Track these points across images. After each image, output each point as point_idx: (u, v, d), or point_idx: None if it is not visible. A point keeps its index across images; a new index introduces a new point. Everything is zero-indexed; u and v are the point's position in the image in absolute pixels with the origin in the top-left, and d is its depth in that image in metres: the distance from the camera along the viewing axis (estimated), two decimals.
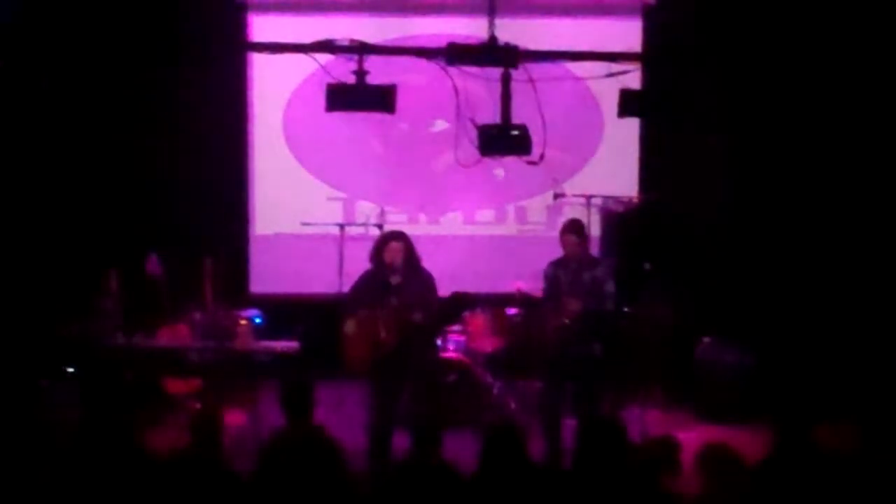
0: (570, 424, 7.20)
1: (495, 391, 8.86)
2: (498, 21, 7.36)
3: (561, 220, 8.01)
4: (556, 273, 7.47)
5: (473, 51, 7.42)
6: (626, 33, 9.97)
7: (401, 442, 7.00)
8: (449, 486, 5.06)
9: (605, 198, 9.23)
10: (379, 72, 7.44)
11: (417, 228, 9.90)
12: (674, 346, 9.03)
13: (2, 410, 7.58)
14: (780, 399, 8.33)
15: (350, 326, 7.41)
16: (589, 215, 8.73)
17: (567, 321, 7.21)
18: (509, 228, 10.46)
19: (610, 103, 8.17)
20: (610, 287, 7.34)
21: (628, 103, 7.88)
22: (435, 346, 8.47)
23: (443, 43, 7.47)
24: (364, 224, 9.26)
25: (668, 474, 5.21)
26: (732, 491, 4.98)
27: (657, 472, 5.16)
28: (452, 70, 7.49)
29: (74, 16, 9.29)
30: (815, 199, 9.54)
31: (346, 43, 7.47)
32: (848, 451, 5.78)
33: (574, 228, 7.44)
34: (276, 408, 5.86)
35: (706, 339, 9.16)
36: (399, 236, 7.48)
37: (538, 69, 7.59)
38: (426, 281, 7.39)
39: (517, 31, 7.55)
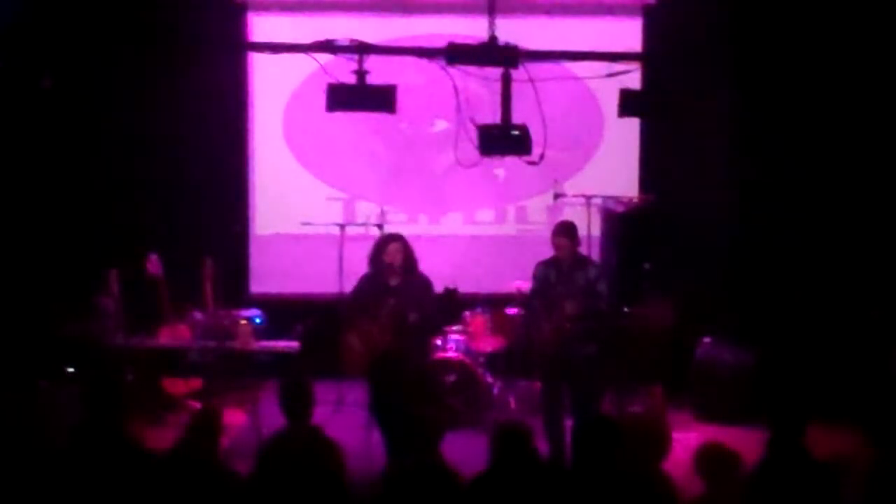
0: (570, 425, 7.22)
1: (495, 391, 8.86)
2: (498, 21, 7.35)
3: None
4: (547, 273, 7.46)
5: (473, 51, 7.41)
6: (626, 33, 9.98)
7: None
8: (447, 488, 5.05)
9: (605, 198, 9.21)
10: (379, 72, 7.43)
11: (417, 228, 9.91)
12: (674, 346, 9.03)
13: (1, 410, 7.58)
14: (778, 400, 8.32)
15: (351, 336, 7.41)
16: (589, 215, 8.73)
17: (565, 324, 7.20)
18: (509, 228, 10.46)
19: (610, 103, 8.17)
20: (603, 287, 7.34)
21: (628, 103, 7.88)
22: (432, 346, 8.47)
23: (443, 43, 7.46)
24: (364, 224, 9.27)
25: (657, 453, 5.20)
26: (731, 491, 4.98)
27: (647, 454, 5.15)
28: (452, 70, 7.48)
29: (75, 16, 9.29)
30: (815, 198, 9.54)
31: (346, 43, 7.47)
32: (847, 453, 5.79)
33: (565, 231, 7.42)
34: (277, 408, 5.86)
35: (706, 339, 9.16)
36: (397, 238, 7.51)
37: (538, 69, 7.58)
38: (423, 283, 7.39)
39: (517, 31, 7.54)
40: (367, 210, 9.98)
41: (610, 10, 10.20)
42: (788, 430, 5.25)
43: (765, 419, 5.42)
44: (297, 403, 5.71)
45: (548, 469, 5.35)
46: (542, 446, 7.30)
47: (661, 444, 7.39)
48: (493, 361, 9.01)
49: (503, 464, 5.13)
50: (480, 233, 10.44)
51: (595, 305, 7.27)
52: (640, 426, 7.18)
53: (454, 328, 9.01)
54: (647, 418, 7.46)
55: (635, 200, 9.60)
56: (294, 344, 8.16)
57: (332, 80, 7.41)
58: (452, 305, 8.39)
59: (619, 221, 9.45)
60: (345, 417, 8.43)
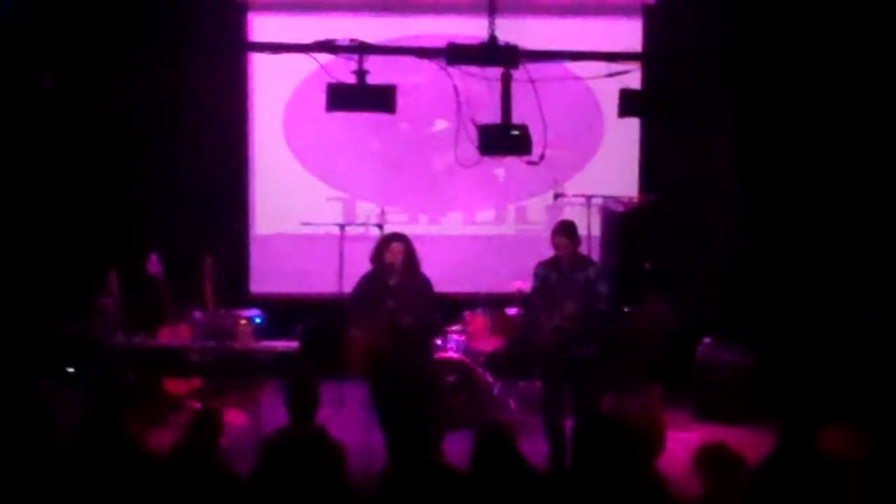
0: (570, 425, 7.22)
1: (495, 391, 8.86)
2: (498, 21, 7.36)
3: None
4: (548, 273, 7.45)
5: (473, 51, 7.42)
6: (626, 33, 9.98)
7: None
8: (448, 486, 5.05)
9: (605, 198, 9.22)
10: (379, 72, 7.44)
11: (418, 228, 9.90)
12: (674, 346, 9.03)
13: (2, 410, 7.57)
14: (780, 400, 8.33)
15: (353, 333, 7.40)
16: (589, 215, 8.74)
17: (565, 323, 7.20)
18: (509, 228, 10.46)
19: (610, 103, 8.18)
20: (603, 287, 7.32)
21: (628, 103, 7.89)
22: (430, 347, 8.44)
23: (443, 43, 7.48)
24: (364, 224, 9.27)
25: (650, 452, 5.18)
26: (731, 491, 4.98)
27: (639, 453, 5.14)
28: (452, 70, 7.50)
29: (75, 15, 9.29)
30: (816, 198, 9.54)
31: (346, 43, 7.48)
32: (849, 453, 5.79)
33: (565, 230, 7.38)
34: (277, 408, 5.85)
35: (706, 339, 9.16)
36: (400, 237, 7.47)
37: (538, 69, 7.59)
38: (423, 284, 7.36)
39: (517, 31, 7.56)
40: (367, 210, 9.97)
41: (610, 10, 10.20)
42: (801, 427, 5.25)
43: (769, 418, 5.42)
44: (302, 404, 5.70)
45: (533, 469, 5.32)
46: (543, 446, 7.34)
47: (654, 443, 7.40)
48: (493, 361, 9.00)
49: (482, 467, 5.11)
50: (480, 233, 10.44)
51: (595, 305, 7.27)
52: (632, 425, 7.18)
53: (454, 328, 9.02)
54: (641, 417, 7.46)
55: (635, 200, 9.60)
56: (294, 344, 8.17)
57: (332, 80, 7.42)
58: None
59: (619, 221, 9.45)
60: (345, 417, 8.44)
